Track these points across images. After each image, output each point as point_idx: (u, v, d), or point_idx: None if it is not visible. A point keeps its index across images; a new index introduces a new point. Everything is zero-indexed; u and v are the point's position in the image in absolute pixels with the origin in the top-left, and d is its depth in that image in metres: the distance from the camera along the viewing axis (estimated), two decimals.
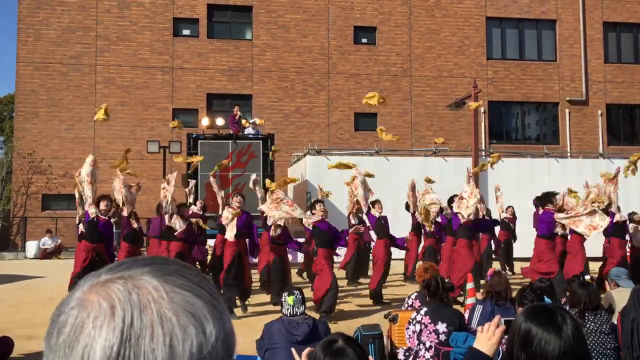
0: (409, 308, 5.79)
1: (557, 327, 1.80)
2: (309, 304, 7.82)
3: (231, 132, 17.89)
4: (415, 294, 6.29)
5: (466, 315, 6.37)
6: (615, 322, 4.80)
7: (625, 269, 6.67)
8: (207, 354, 0.70)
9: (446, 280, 6.64)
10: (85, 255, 9.85)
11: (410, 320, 5.48)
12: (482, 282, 8.47)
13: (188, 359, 0.68)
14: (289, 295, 4.73)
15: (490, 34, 25.27)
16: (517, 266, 13.74)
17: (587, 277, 11.08)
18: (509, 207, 15.01)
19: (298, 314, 4.68)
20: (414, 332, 5.41)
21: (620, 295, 5.56)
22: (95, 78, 22.68)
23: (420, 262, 9.85)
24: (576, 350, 1.79)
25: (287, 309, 4.66)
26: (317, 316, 8.39)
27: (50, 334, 0.71)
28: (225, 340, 0.73)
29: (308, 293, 7.97)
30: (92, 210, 9.81)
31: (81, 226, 10.50)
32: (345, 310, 9.67)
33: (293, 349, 3.29)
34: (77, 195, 10.88)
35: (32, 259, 18.81)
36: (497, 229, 14.20)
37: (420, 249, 13.02)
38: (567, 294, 5.41)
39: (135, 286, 0.71)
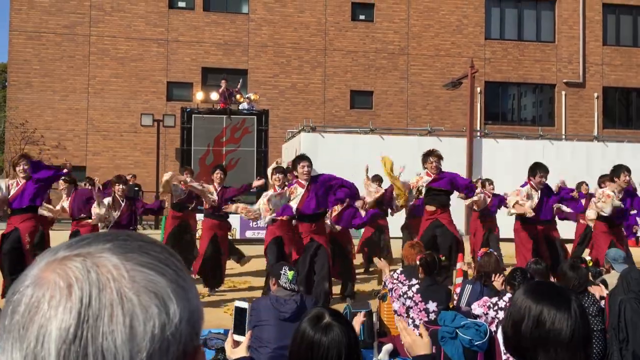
0: (394, 282, 5.78)
1: (567, 307, 1.74)
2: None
3: (221, 107, 17.51)
4: (400, 269, 6.29)
5: (455, 295, 6.41)
6: (603, 305, 4.83)
7: (622, 252, 6.48)
8: (170, 335, 0.67)
9: (442, 258, 6.66)
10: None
11: (401, 294, 5.49)
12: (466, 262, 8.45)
13: (150, 341, 0.65)
14: (289, 270, 4.78)
15: (489, 14, 25.05)
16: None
17: (588, 258, 10.98)
18: (582, 182, 12.37)
19: (295, 290, 4.72)
20: (403, 304, 5.43)
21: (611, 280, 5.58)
22: (89, 49, 22.42)
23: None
24: (583, 331, 1.75)
25: (285, 282, 4.69)
26: None
27: (4, 314, 0.67)
28: (191, 319, 0.70)
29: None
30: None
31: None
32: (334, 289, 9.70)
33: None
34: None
35: None
36: None
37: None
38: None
39: (94, 264, 0.67)
